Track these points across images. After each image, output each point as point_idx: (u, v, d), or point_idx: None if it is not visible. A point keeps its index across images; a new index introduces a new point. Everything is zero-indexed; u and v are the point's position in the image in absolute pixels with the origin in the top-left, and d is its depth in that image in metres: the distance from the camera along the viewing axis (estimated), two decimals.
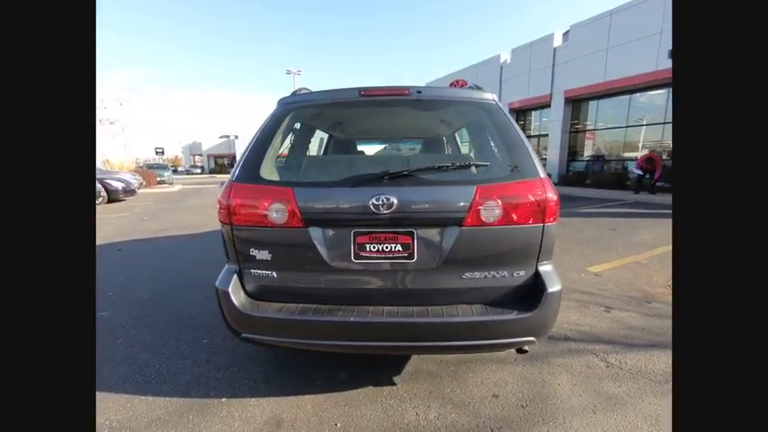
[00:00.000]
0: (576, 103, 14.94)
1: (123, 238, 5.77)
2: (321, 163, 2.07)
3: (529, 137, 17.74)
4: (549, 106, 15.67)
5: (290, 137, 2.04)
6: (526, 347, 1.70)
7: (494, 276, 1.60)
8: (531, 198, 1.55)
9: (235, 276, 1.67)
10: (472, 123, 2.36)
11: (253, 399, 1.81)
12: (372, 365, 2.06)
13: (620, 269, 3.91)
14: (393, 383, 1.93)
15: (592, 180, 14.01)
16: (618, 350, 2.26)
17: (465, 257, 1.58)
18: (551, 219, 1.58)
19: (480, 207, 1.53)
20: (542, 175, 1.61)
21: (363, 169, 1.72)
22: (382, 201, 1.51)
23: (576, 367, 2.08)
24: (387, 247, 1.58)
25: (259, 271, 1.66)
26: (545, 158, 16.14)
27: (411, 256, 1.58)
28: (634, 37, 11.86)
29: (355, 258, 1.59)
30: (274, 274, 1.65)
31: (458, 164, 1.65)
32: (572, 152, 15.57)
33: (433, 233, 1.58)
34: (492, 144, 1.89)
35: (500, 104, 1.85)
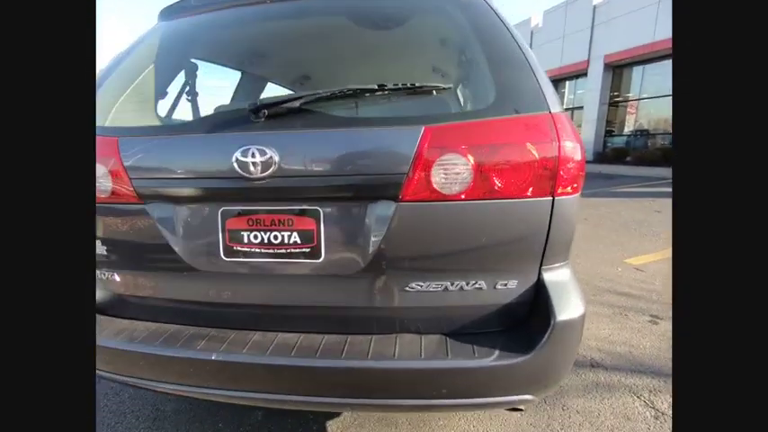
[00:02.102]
0: (618, 70, 13.23)
1: None
2: (183, 102, 1.41)
3: None
4: (585, 75, 14.01)
5: (163, 67, 1.39)
6: (522, 406, 1.03)
7: (461, 289, 0.92)
8: (531, 149, 0.84)
9: None
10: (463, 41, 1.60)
11: None
12: None
13: (668, 262, 3.05)
14: None
15: (633, 157, 12.48)
16: (670, 387, 1.53)
17: (408, 255, 0.91)
18: (570, 188, 0.87)
19: (432, 165, 0.84)
20: (555, 109, 0.88)
21: (230, 105, 1.06)
22: (252, 155, 0.85)
23: (606, 415, 1.38)
24: (276, 237, 0.93)
25: (96, 270, 1.08)
26: None
27: (316, 253, 0.93)
28: None
29: (226, 255, 0.96)
30: (115, 276, 1.06)
31: (390, 86, 0.94)
32: (610, 126, 13.94)
33: (351, 213, 0.91)
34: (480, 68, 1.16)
35: (488, 1, 1.11)
